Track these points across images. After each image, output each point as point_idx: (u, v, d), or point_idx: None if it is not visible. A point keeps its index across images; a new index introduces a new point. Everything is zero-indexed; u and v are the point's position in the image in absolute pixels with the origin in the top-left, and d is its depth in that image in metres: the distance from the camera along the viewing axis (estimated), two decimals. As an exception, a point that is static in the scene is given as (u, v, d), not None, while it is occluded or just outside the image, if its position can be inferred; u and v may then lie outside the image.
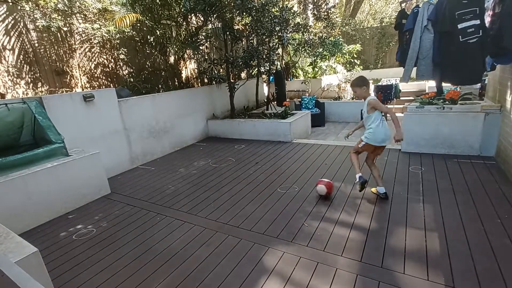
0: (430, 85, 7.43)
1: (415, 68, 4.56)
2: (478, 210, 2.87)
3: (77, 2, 5.77)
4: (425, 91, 7.88)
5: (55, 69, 5.58)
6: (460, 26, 3.77)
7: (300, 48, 8.31)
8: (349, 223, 2.87)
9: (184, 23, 7.05)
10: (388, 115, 3.06)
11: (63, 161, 3.69)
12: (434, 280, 2.05)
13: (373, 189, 3.40)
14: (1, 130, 3.62)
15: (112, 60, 6.52)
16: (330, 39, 9.81)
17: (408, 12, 4.88)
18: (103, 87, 6.33)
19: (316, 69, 11.03)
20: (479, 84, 5.10)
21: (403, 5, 5.28)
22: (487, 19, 3.72)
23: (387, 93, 8.14)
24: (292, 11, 7.22)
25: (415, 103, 4.70)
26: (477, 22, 3.68)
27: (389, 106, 8.26)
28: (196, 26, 7.29)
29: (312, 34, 9.66)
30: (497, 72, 4.24)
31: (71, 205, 3.78)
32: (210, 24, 7.14)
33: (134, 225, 3.27)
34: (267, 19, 6.30)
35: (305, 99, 8.12)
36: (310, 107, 7.96)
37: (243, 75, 9.38)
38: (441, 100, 4.56)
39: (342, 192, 3.51)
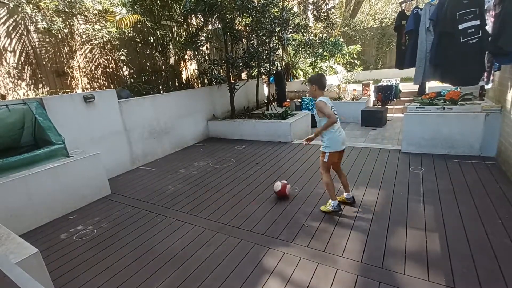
0: (430, 85, 7.41)
1: (414, 69, 4.55)
2: (478, 210, 2.87)
3: (78, 4, 5.79)
4: (425, 92, 7.86)
5: (55, 70, 5.60)
6: (461, 26, 3.76)
7: (300, 49, 8.31)
8: (349, 224, 2.87)
9: (185, 24, 7.06)
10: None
11: (64, 162, 3.70)
12: (435, 281, 2.05)
13: (340, 197, 3.26)
14: (2, 131, 3.63)
15: (113, 61, 6.53)
16: (330, 39, 9.81)
17: (407, 13, 4.87)
18: (104, 88, 6.34)
19: (316, 70, 11.02)
20: (490, 84, 5.06)
21: (402, 5, 5.27)
22: (489, 19, 3.71)
23: (387, 94, 8.13)
24: (292, 11, 7.23)
25: (415, 103, 4.70)
26: (477, 22, 3.67)
27: (389, 106, 8.28)
28: (196, 27, 7.30)
29: (312, 35, 9.67)
30: (497, 73, 4.24)
31: (71, 206, 3.78)
32: (210, 25, 7.15)
33: (134, 226, 3.28)
34: (267, 20, 6.31)
35: (305, 99, 8.12)
36: (311, 107, 7.96)
37: (243, 75, 9.39)
38: (441, 101, 4.55)
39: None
